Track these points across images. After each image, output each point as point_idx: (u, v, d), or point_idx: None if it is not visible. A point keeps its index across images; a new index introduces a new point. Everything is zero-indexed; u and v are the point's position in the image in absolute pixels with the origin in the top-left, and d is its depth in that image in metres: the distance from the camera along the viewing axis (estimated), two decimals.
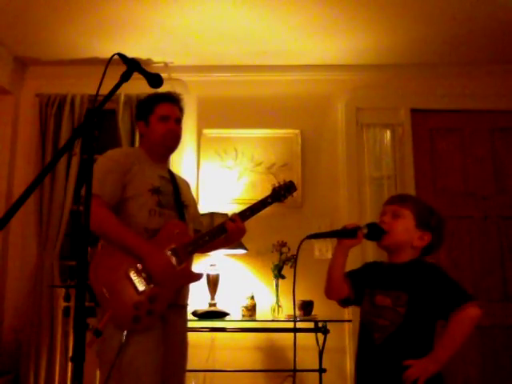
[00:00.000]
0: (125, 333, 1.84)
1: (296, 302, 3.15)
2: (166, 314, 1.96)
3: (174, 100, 2.22)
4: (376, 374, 1.61)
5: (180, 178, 2.33)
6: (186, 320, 2.19)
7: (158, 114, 2.15)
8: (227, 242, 2.18)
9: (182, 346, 2.11)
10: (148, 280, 1.92)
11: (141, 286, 1.90)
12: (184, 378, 2.13)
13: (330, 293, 1.77)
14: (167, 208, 2.07)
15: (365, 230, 1.69)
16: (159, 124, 2.14)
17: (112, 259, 1.94)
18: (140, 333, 1.88)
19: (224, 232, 2.08)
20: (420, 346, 1.59)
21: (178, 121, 2.21)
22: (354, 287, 1.75)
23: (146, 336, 1.89)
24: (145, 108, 2.20)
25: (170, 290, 1.97)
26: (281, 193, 2.21)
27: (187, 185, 2.36)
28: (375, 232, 1.71)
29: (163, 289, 1.94)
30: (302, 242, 1.65)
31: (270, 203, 2.18)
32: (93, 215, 1.81)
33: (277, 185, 2.23)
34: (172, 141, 2.19)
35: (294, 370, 2.90)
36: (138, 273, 1.92)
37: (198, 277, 2.10)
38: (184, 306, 2.15)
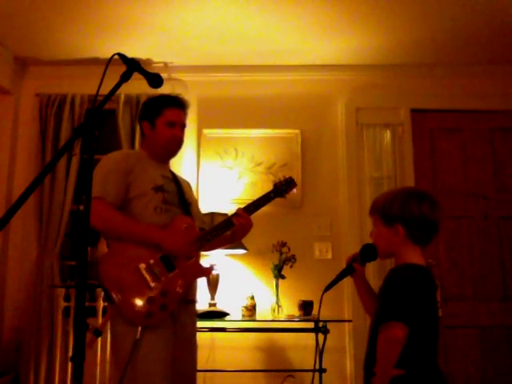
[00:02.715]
0: (139, 329, 1.86)
1: (296, 302, 3.16)
2: (175, 310, 1.98)
3: (181, 105, 2.22)
4: (364, 374, 1.62)
5: (182, 178, 2.35)
6: (194, 315, 2.21)
7: (165, 118, 2.15)
8: (234, 237, 2.20)
9: (191, 344, 2.12)
10: (159, 275, 1.94)
11: (152, 282, 1.92)
12: (195, 374, 2.14)
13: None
14: (172, 205, 2.09)
15: (358, 258, 1.70)
16: (165, 129, 2.15)
17: (122, 256, 1.96)
18: (152, 329, 1.89)
19: (231, 226, 2.10)
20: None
21: (183, 126, 2.22)
22: None
23: (158, 333, 1.90)
24: (152, 109, 2.19)
25: (184, 278, 1.99)
26: (282, 188, 2.24)
27: (189, 184, 2.38)
28: (369, 252, 1.68)
29: (185, 269, 1.98)
30: (322, 296, 1.67)
31: (272, 198, 2.21)
32: (99, 216, 1.87)
33: (277, 181, 2.26)
34: (176, 147, 2.21)
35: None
36: (149, 268, 1.94)
37: (207, 271, 2.14)
38: (193, 301, 2.16)
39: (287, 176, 2.29)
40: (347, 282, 1.77)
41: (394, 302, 1.49)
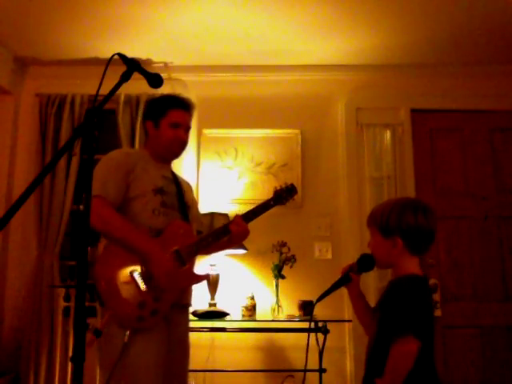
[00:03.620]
0: (127, 332, 1.84)
1: (296, 302, 3.16)
2: (168, 313, 1.96)
3: (187, 107, 2.21)
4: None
5: (182, 179, 2.33)
6: (187, 319, 2.20)
7: (170, 119, 2.13)
8: (230, 243, 2.19)
9: (184, 347, 2.11)
10: (152, 280, 1.92)
11: (144, 286, 1.90)
12: (187, 379, 2.13)
13: (367, 333, 1.73)
14: (171, 208, 2.08)
15: (355, 268, 1.71)
16: (169, 130, 2.13)
17: (117, 259, 1.94)
18: (143, 333, 1.87)
19: (227, 233, 2.10)
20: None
21: (188, 129, 2.21)
22: None
23: (150, 336, 1.89)
24: (157, 109, 2.18)
25: (173, 291, 1.97)
26: (283, 195, 2.25)
27: (189, 186, 2.37)
28: (367, 262, 1.69)
29: (166, 291, 1.94)
30: (314, 305, 1.68)
31: (272, 206, 2.21)
32: (98, 215, 1.86)
33: (278, 187, 2.26)
34: (178, 148, 2.19)
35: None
36: (143, 273, 1.92)
37: (201, 278, 2.11)
38: (186, 306, 2.15)
39: (288, 183, 2.28)
40: None
41: (405, 316, 1.48)
